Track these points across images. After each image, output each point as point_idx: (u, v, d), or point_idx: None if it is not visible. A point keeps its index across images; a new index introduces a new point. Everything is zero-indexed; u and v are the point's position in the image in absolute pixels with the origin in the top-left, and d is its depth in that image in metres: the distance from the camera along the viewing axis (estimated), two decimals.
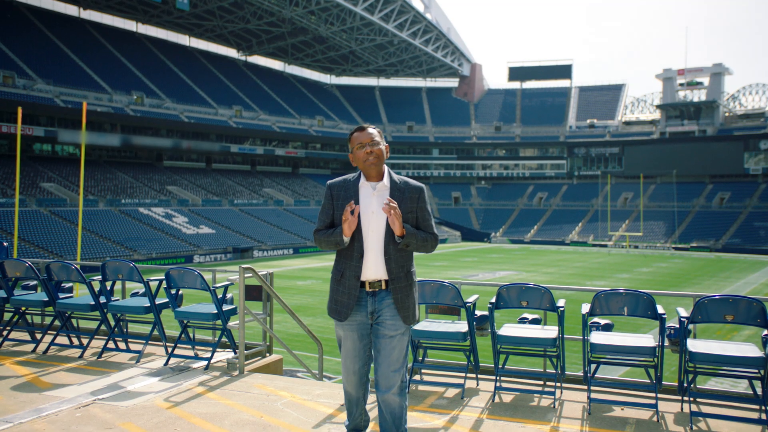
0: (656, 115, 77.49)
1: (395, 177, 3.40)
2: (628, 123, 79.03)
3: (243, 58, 77.28)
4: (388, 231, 3.30)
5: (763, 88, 73.81)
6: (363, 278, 3.32)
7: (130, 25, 66.36)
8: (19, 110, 13.21)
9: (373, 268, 3.31)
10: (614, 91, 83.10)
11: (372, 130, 3.39)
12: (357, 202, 3.30)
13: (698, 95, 74.66)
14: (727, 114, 73.77)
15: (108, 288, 6.37)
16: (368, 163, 3.32)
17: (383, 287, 3.33)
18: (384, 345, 3.33)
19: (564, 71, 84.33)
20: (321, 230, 3.42)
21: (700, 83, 74.09)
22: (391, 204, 3.17)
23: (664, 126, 73.52)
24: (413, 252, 3.43)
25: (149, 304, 6.04)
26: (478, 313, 5.29)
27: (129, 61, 59.73)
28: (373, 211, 3.29)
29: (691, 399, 4.69)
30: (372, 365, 3.49)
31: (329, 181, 3.49)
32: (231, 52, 76.10)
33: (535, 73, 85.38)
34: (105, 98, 51.40)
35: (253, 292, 6.01)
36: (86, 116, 11.83)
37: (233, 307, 5.98)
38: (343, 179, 3.45)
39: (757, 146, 65.70)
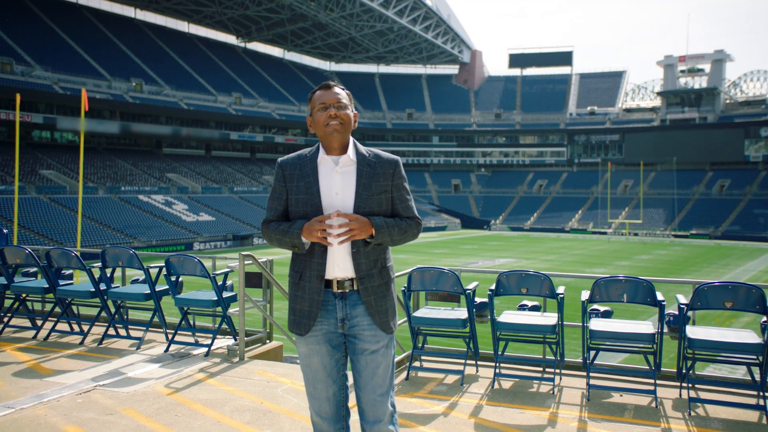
0: (657, 102, 77.25)
1: (362, 149, 2.70)
2: (628, 110, 78.80)
3: (242, 44, 76.86)
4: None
5: (765, 75, 73.53)
6: (329, 277, 2.61)
7: (128, 11, 65.95)
8: (18, 97, 13.13)
9: (341, 263, 2.60)
10: (615, 78, 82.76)
11: (339, 89, 2.68)
12: (316, 181, 2.61)
13: (699, 82, 74.39)
14: (728, 101, 73.55)
15: (108, 275, 6.38)
16: (330, 129, 2.59)
17: (354, 288, 2.62)
18: (365, 363, 2.63)
19: (564, 58, 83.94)
20: (272, 222, 2.68)
21: (701, 70, 73.80)
22: (348, 225, 2.51)
23: (664, 113, 73.31)
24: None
25: (149, 291, 6.05)
26: (477, 300, 5.30)
27: (128, 47, 59.41)
28: (337, 192, 2.59)
29: (690, 385, 4.71)
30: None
31: (280, 159, 2.74)
32: (230, 39, 75.70)
33: (536, 60, 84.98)
34: (104, 85, 51.19)
35: (253, 279, 6.02)
36: (85, 103, 11.79)
37: (233, 294, 5.99)
38: (297, 155, 2.73)
39: (757, 133, 65.55)
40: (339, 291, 2.62)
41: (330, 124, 2.60)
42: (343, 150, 2.65)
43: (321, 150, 2.67)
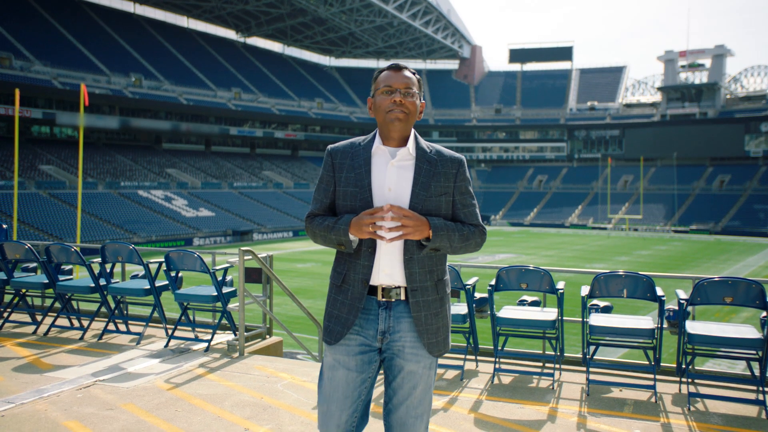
0: (657, 97, 77.15)
1: (424, 143, 2.39)
2: (628, 105, 78.72)
3: (242, 39, 76.69)
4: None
5: (765, 70, 73.42)
6: (374, 283, 2.32)
7: (127, 6, 65.78)
8: (17, 92, 13.12)
9: (389, 269, 2.31)
10: (615, 73, 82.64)
11: (410, 73, 2.37)
12: (368, 173, 2.32)
13: (700, 77, 74.28)
14: (728, 96, 73.46)
15: (108, 270, 6.37)
16: (392, 116, 2.29)
17: (402, 297, 2.32)
18: (403, 381, 2.35)
19: (564, 53, 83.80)
20: (317, 216, 2.40)
21: (702, 65, 73.67)
22: (402, 221, 2.21)
23: (664, 108, 73.22)
24: (446, 253, 2.40)
25: (149, 287, 6.05)
26: (477, 295, 5.30)
27: (127, 42, 59.28)
28: (390, 187, 2.29)
29: (690, 380, 4.72)
30: (381, 412, 2.49)
31: (330, 146, 2.46)
32: (230, 34, 75.53)
33: (536, 55, 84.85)
34: (103, 80, 51.10)
35: (253, 275, 6.02)
36: (85, 98, 11.78)
37: (233, 289, 5.99)
38: (350, 143, 2.43)
39: (758, 129, 65.50)
40: (384, 300, 2.32)
41: (393, 111, 2.29)
42: (403, 142, 2.35)
43: (377, 139, 2.37)
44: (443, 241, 2.25)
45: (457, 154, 2.40)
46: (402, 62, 2.40)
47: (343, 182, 2.34)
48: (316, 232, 2.35)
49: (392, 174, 2.31)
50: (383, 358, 2.37)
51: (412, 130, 2.38)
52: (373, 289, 2.32)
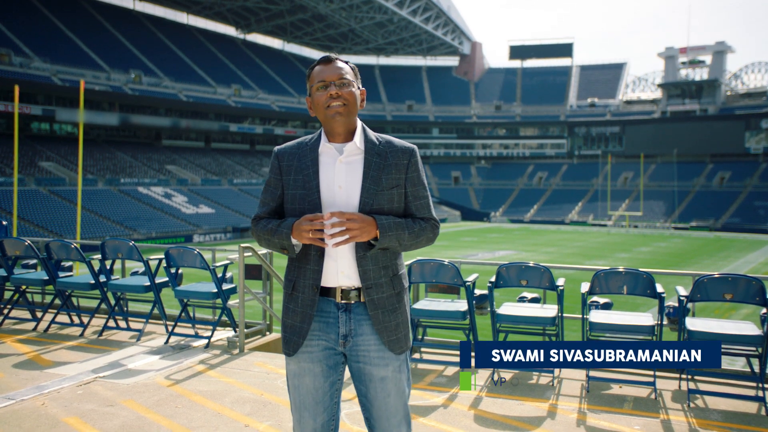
0: (657, 94, 77.05)
1: (372, 135, 2.29)
2: (629, 102, 78.62)
3: (241, 36, 76.55)
4: (363, 213, 2.21)
5: (766, 67, 73.28)
6: (331, 285, 2.23)
7: (127, 2, 65.66)
8: (16, 88, 13.11)
9: (347, 270, 2.21)
10: (615, 69, 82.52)
11: (341, 63, 2.28)
12: (315, 174, 2.21)
13: (700, 74, 74.15)
14: (728, 93, 73.35)
15: (108, 267, 6.38)
16: (331, 111, 2.19)
17: (361, 299, 2.23)
18: (374, 392, 2.26)
19: (565, 50, 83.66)
20: (262, 219, 2.30)
21: (702, 62, 73.55)
22: (346, 224, 2.11)
23: (665, 105, 73.14)
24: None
25: (149, 283, 6.05)
26: (477, 292, 5.30)
27: (126, 39, 59.18)
28: (340, 185, 2.20)
29: (689, 377, 4.72)
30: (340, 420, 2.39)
31: (277, 147, 2.35)
32: (229, 30, 75.39)
33: (536, 52, 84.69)
34: (102, 77, 51.03)
35: (253, 271, 6.02)
36: (84, 95, 11.75)
37: (233, 286, 5.99)
38: (297, 143, 2.32)
39: (758, 125, 65.42)
40: (343, 302, 2.23)
41: (331, 106, 2.19)
42: (349, 136, 2.25)
43: (323, 137, 2.27)
44: (392, 240, 2.18)
45: (409, 144, 2.31)
46: (333, 54, 2.32)
47: (291, 185, 2.26)
48: (261, 235, 2.27)
49: (341, 171, 2.22)
50: (350, 369, 2.29)
51: (359, 122, 2.29)
52: (329, 292, 2.24)
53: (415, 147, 2.33)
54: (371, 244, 2.20)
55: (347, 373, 2.33)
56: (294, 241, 2.18)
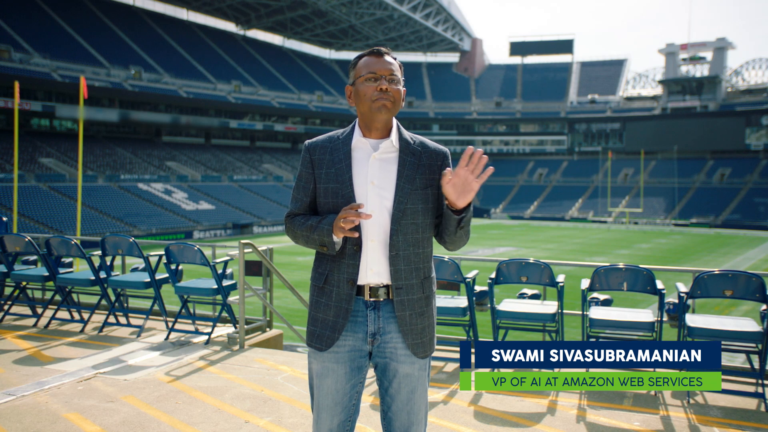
0: (658, 90, 76.96)
1: (407, 135, 2.27)
2: (629, 98, 78.54)
3: (242, 32, 76.42)
4: (397, 212, 2.17)
5: (766, 63, 73.19)
6: (361, 282, 2.20)
7: None
8: (16, 84, 13.10)
9: (376, 267, 2.19)
10: (616, 66, 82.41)
11: (392, 59, 2.24)
12: (348, 168, 2.19)
13: (701, 70, 74.04)
14: (729, 89, 73.27)
15: (108, 263, 6.38)
16: (378, 105, 2.16)
17: (390, 297, 2.21)
18: (400, 386, 2.24)
19: (565, 46, 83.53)
20: (297, 216, 2.28)
21: (703, 58, 73.43)
22: (485, 159, 2.12)
23: (665, 101, 73.06)
24: (431, 250, 2.30)
25: (149, 279, 6.05)
26: (477, 288, 5.31)
27: (126, 35, 59.10)
28: (374, 181, 2.18)
29: None
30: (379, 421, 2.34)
31: (308, 141, 2.31)
32: (229, 26, 75.26)
33: (537, 48, 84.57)
34: (102, 73, 50.98)
35: (253, 268, 6.02)
36: (84, 91, 11.75)
37: (233, 282, 6.00)
38: (328, 137, 2.30)
39: (759, 122, 65.37)
40: (372, 300, 2.20)
41: (379, 99, 2.16)
42: (386, 133, 2.23)
43: (357, 131, 2.24)
44: (469, 215, 2.17)
45: (442, 147, 2.30)
46: (384, 48, 2.28)
47: (324, 178, 2.22)
48: (297, 232, 2.23)
49: (375, 167, 2.19)
50: (375, 364, 2.27)
51: (395, 120, 2.26)
52: (359, 290, 2.20)
53: (448, 151, 2.32)
54: (458, 213, 2.16)
55: (370, 371, 2.30)
56: (335, 238, 2.14)
